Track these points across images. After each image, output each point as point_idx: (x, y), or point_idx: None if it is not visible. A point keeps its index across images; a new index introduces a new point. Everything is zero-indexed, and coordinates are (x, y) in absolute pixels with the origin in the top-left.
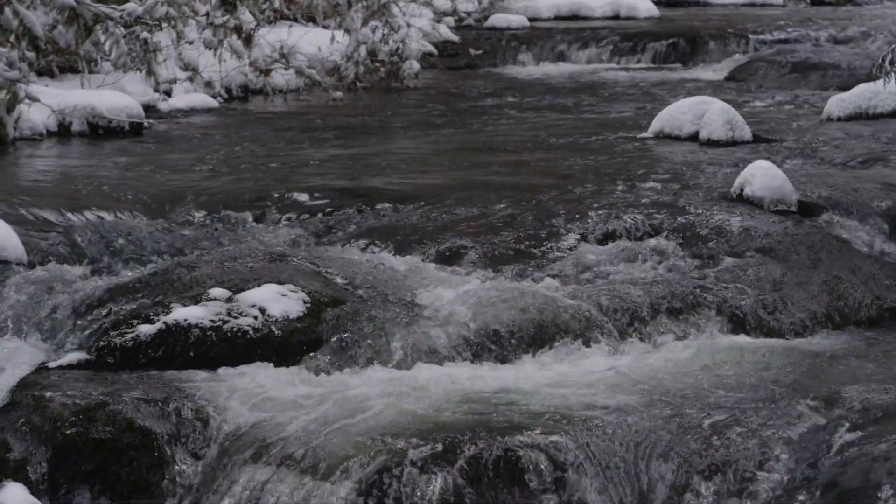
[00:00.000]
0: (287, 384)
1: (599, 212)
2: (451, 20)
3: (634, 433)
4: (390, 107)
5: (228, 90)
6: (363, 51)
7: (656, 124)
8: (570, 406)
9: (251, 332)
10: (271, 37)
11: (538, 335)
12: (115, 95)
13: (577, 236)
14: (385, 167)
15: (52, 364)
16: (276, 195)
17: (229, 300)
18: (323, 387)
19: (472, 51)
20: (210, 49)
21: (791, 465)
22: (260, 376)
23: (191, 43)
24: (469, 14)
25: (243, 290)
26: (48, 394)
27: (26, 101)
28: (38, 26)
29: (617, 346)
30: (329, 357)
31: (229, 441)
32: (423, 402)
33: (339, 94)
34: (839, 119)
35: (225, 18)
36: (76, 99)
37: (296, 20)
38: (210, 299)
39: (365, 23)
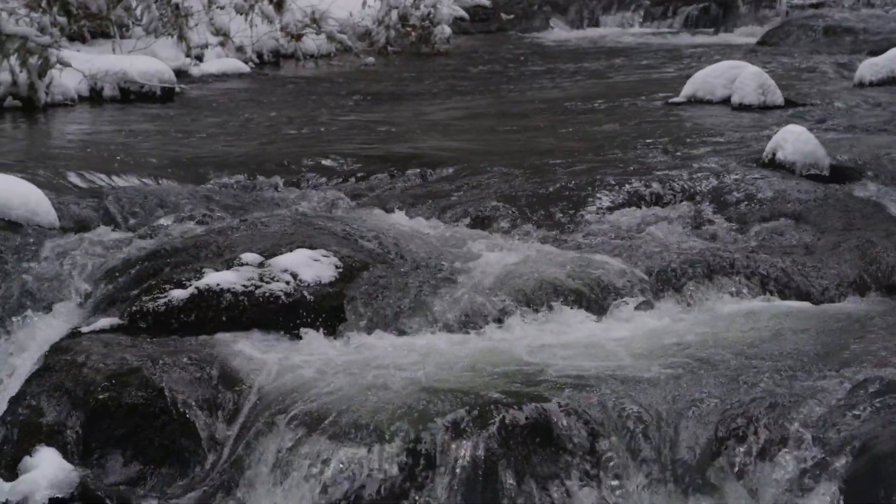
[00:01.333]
0: (319, 349)
1: (631, 176)
2: None
3: (666, 396)
4: (421, 71)
5: (260, 55)
6: (395, 15)
7: (688, 88)
8: (603, 370)
9: (283, 297)
10: (302, 1)
11: (570, 299)
12: (146, 60)
13: (608, 200)
14: (416, 132)
15: (84, 329)
16: (308, 160)
17: (261, 265)
18: (355, 351)
19: (503, 15)
20: (241, 14)
21: (823, 429)
22: (291, 341)
23: (222, 8)
24: None
25: (275, 255)
26: (81, 359)
27: (58, 66)
28: None
29: (648, 310)
30: (361, 322)
31: (261, 406)
32: (455, 366)
33: (370, 59)
34: (871, 84)
35: None
36: (108, 64)
37: None
38: (242, 264)
39: None
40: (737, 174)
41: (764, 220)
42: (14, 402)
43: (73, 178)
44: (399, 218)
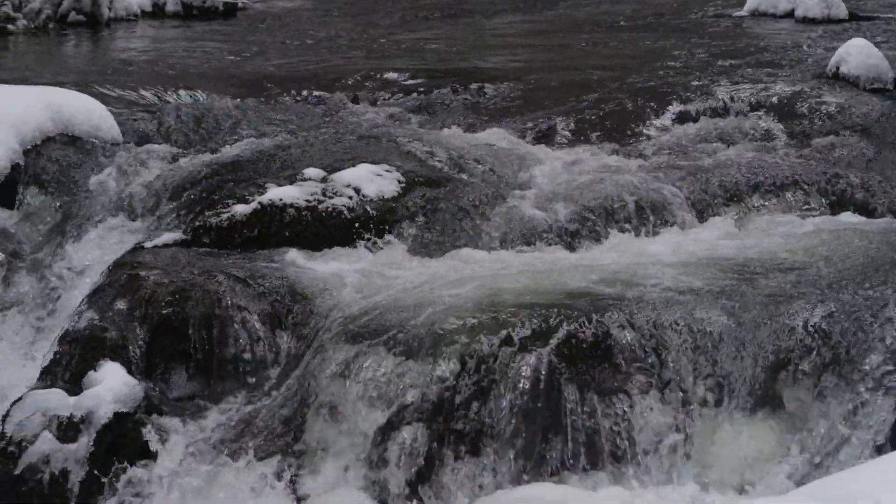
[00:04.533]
0: (380, 263)
1: (693, 90)
2: None
3: (729, 312)
4: None
5: None
6: None
7: (752, 1)
8: (665, 286)
9: (346, 211)
10: None
11: (632, 216)
12: None
13: (669, 115)
14: (476, 48)
15: (147, 244)
16: (371, 76)
17: (324, 180)
18: (417, 267)
19: None
20: None
21: (886, 344)
22: (354, 255)
23: None
24: None
25: (338, 169)
26: (144, 273)
27: None
28: None
29: (711, 225)
30: (423, 237)
31: (324, 319)
32: (518, 282)
33: None
34: None
35: None
36: None
37: None
38: (305, 179)
39: None
40: (800, 88)
41: (827, 133)
42: (77, 317)
43: (136, 93)
44: (460, 133)
